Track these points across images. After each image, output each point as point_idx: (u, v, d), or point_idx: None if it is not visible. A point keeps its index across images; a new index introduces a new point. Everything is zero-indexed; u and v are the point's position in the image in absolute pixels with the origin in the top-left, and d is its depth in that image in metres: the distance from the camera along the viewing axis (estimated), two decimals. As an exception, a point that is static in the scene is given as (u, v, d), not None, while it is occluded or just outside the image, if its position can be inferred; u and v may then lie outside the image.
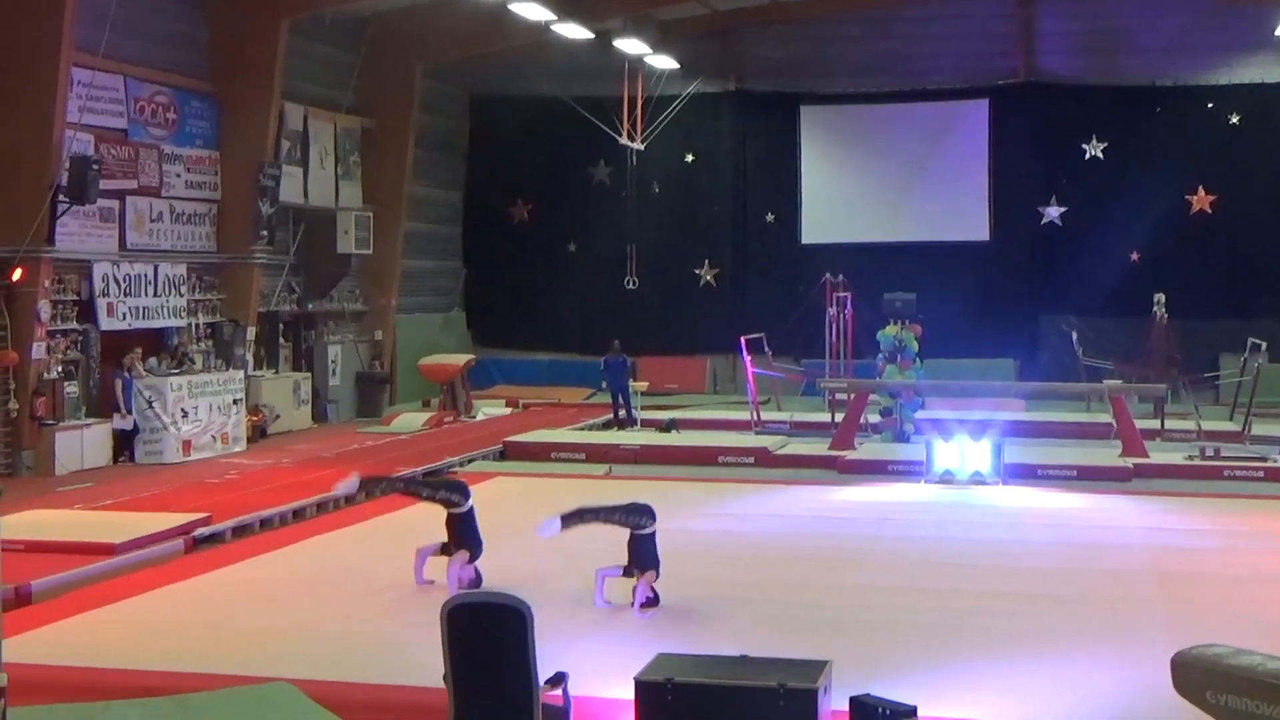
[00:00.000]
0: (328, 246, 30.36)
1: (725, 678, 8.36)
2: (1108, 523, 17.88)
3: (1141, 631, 11.89)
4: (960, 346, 32.22)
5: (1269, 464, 22.33)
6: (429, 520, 14.48)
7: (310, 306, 30.41)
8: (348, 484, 14.62)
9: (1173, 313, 30.85)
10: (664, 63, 33.45)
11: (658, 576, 12.60)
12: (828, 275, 30.18)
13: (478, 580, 13.23)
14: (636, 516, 12.72)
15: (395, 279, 32.68)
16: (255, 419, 26.27)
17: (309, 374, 29.68)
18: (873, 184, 35.61)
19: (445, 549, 13.50)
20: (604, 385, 29.75)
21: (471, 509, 13.63)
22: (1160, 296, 30.87)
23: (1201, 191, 33.97)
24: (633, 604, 12.44)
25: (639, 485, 21.10)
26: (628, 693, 8.50)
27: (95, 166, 22.09)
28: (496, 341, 36.75)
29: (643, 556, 12.61)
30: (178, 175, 25.53)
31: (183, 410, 23.65)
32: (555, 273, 36.30)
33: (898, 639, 11.61)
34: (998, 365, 33.44)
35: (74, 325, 23.27)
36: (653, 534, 12.70)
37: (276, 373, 28.65)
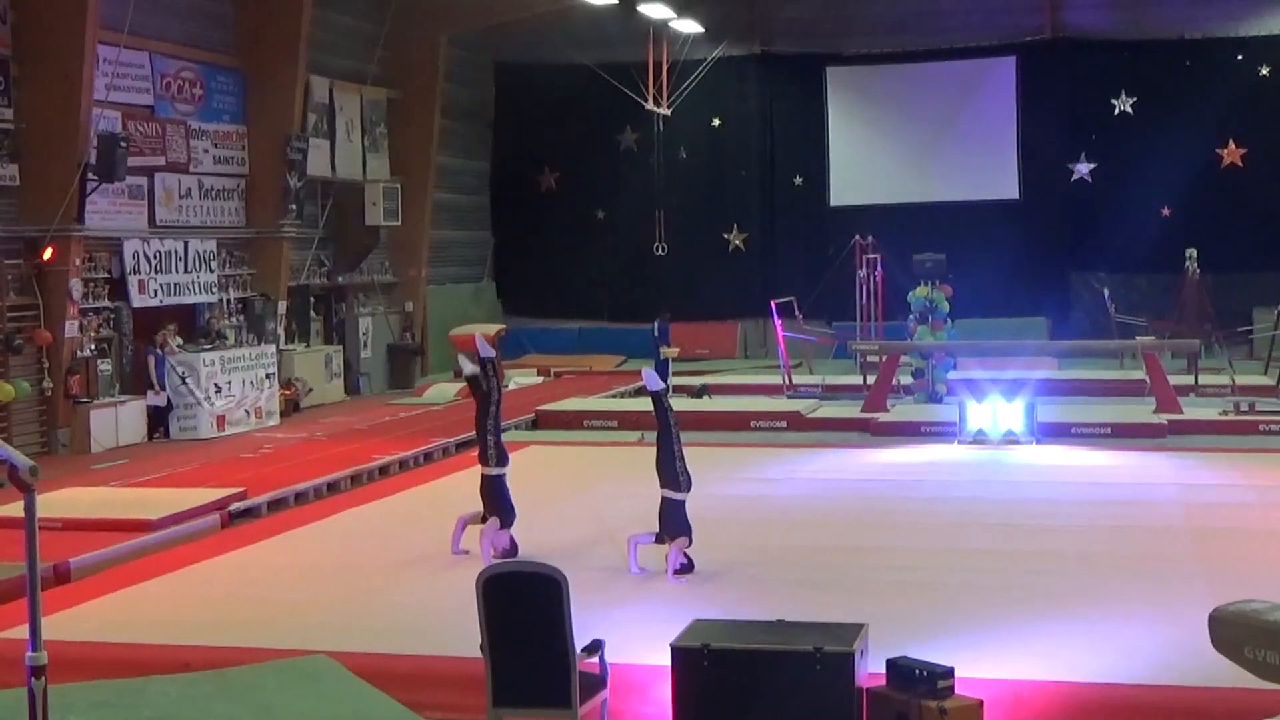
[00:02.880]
0: (356, 219, 30.38)
1: (761, 642, 8.37)
2: (1142, 480, 17.82)
3: (1178, 588, 11.86)
4: (992, 306, 32.16)
5: (1304, 418, 22.24)
6: (462, 491, 14.53)
7: (340, 279, 30.44)
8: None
9: (1205, 267, 30.69)
10: (689, 27, 33.34)
11: (690, 543, 12.61)
12: (857, 237, 30.09)
13: (513, 549, 13.26)
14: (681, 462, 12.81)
15: (424, 250, 32.71)
16: (288, 393, 26.33)
17: (340, 347, 29.73)
18: (901, 144, 35.46)
19: (484, 517, 13.53)
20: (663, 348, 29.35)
21: (503, 474, 13.66)
22: (1192, 251, 30.70)
23: (1232, 144, 33.75)
24: (666, 570, 12.46)
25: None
26: (664, 659, 8.52)
27: (123, 144, 22.14)
28: (526, 310, 36.78)
29: (674, 523, 12.62)
30: (205, 151, 25.57)
31: (216, 385, 23.72)
32: (584, 240, 36.28)
33: (934, 600, 11.61)
34: (1030, 324, 33.32)
35: (106, 303, 23.34)
36: (683, 501, 12.70)
37: (308, 346, 28.71)
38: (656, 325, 29.09)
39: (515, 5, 31.99)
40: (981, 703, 8.37)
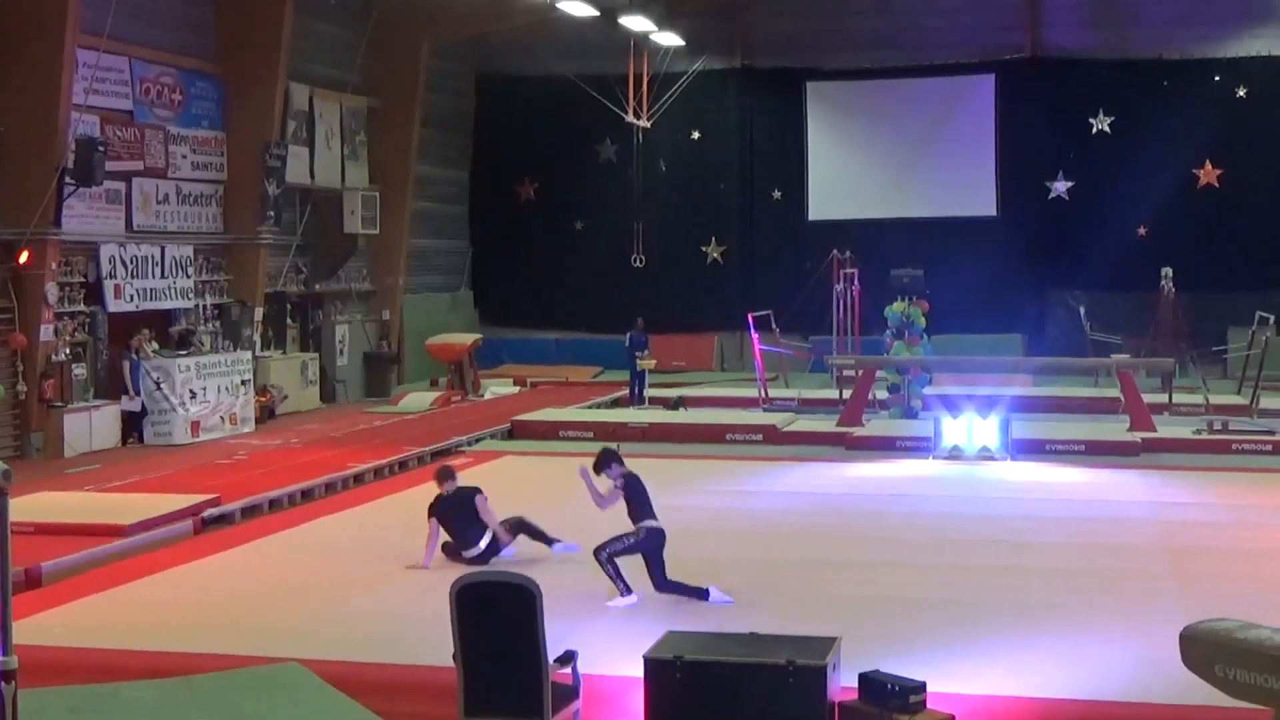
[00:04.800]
0: (334, 227, 30.36)
1: (734, 655, 8.38)
2: (1116, 497, 17.88)
3: (1150, 606, 11.89)
4: (968, 322, 32.21)
5: (1277, 438, 22.30)
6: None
7: (317, 287, 30.41)
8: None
9: (1180, 287, 30.82)
10: (669, 40, 33.36)
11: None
12: (835, 251, 30.15)
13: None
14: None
15: (402, 258, 32.69)
16: (263, 399, 26.29)
17: (316, 354, 29.70)
18: (879, 160, 35.54)
19: None
20: (639, 359, 29.25)
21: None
22: (1167, 271, 30.82)
23: (1208, 165, 33.88)
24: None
25: (647, 463, 21.11)
26: (637, 670, 8.52)
27: (101, 148, 22.09)
28: (504, 320, 36.74)
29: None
30: (184, 156, 25.52)
31: (191, 391, 23.67)
32: (562, 251, 36.25)
33: (906, 615, 11.62)
34: (1005, 340, 33.38)
35: (81, 307, 23.28)
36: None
37: (284, 353, 28.67)
38: (630, 337, 29.11)
39: (496, 16, 31.98)
40: (953, 718, 8.38)
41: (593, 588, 12.48)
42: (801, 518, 16.47)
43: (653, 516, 12.25)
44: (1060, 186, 34.80)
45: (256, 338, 27.00)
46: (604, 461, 12.54)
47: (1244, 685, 6.83)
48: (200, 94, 26.10)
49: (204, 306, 26.17)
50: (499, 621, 8.12)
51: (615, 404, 29.08)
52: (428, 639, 10.00)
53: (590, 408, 27.90)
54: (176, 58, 25.46)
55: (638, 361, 28.99)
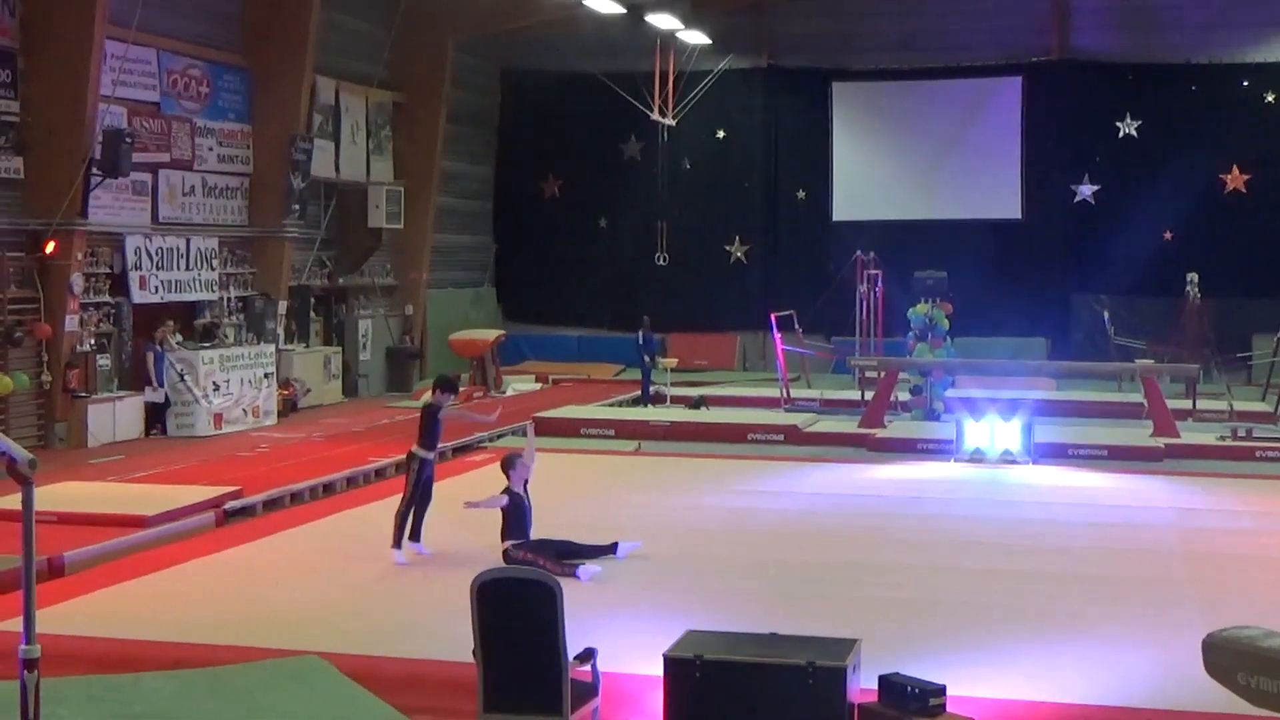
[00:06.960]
0: (359, 221, 30.40)
1: (754, 655, 8.36)
2: (1138, 503, 17.80)
3: (1172, 613, 11.85)
4: (991, 325, 32.15)
5: (1301, 445, 22.22)
6: (456, 494, 14.49)
7: (341, 281, 30.45)
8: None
9: (1205, 292, 30.69)
10: (696, 38, 33.36)
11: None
12: (859, 252, 30.11)
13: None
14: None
15: (426, 254, 32.72)
16: (286, 393, 26.33)
17: (340, 348, 29.75)
18: (904, 161, 35.47)
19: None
20: (650, 360, 29.33)
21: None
22: (1193, 276, 30.70)
23: (1235, 170, 33.75)
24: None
25: (668, 462, 21.15)
26: (656, 669, 8.52)
27: (128, 139, 22.15)
28: (526, 317, 36.78)
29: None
30: (210, 149, 25.58)
31: (214, 383, 23.74)
32: (586, 248, 36.28)
33: (927, 618, 11.60)
34: (1029, 344, 33.32)
35: (106, 298, 23.34)
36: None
37: (307, 347, 28.72)
38: (641, 335, 29.11)
39: (523, 12, 32.02)
40: (973, 721, 8.37)
41: (612, 585, 12.51)
42: (822, 519, 16.44)
43: (427, 449, 13.81)
44: (1086, 190, 34.69)
45: (280, 331, 27.04)
46: (440, 386, 14.10)
47: (1267, 694, 6.82)
48: (227, 86, 26.16)
49: (228, 299, 26.22)
50: (520, 618, 8.13)
51: (636, 402, 29.10)
52: (448, 634, 10.01)
53: (612, 405, 27.91)
54: (204, 50, 25.52)
55: (660, 361, 28.96)
